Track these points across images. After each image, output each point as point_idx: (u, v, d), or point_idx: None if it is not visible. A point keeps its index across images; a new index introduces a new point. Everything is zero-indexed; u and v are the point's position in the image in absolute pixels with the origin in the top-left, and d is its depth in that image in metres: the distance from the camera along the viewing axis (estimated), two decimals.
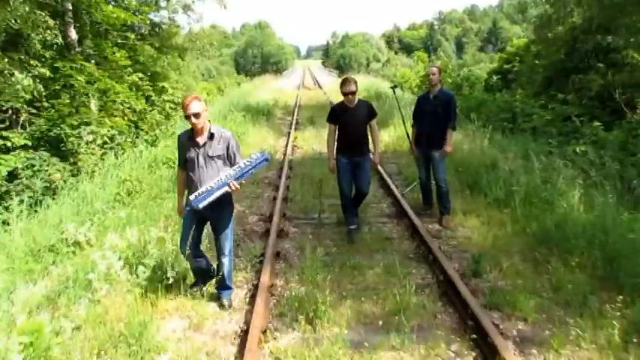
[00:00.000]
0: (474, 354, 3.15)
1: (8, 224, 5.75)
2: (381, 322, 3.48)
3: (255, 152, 3.56)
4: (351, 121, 4.97)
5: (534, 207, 5.31)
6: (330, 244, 4.88)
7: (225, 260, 3.69)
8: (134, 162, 8.20)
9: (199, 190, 3.42)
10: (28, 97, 8.58)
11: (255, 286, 3.96)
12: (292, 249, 4.92)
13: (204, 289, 3.86)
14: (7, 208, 6.55)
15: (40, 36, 9.70)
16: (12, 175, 9.10)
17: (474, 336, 3.26)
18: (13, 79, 7.82)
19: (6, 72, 7.77)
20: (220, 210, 3.57)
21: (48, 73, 9.15)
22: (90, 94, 11.58)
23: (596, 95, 14.21)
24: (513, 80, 22.59)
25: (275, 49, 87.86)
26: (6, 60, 7.99)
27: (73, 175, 8.45)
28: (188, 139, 3.57)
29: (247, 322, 3.44)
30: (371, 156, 5.23)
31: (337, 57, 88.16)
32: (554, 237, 4.59)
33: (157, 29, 17.79)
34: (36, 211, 6.13)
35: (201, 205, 3.33)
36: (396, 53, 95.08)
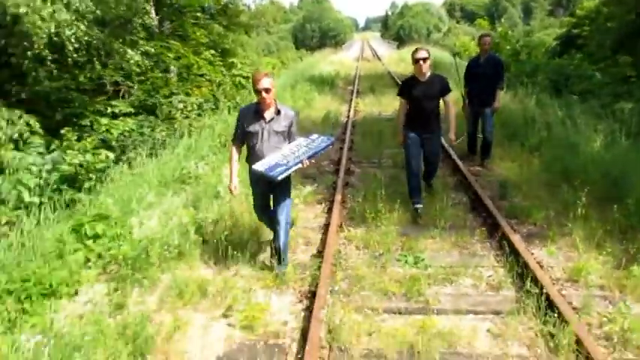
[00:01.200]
0: (491, 240, 4.37)
1: (131, 167, 7.50)
2: (423, 223, 4.78)
3: (321, 136, 3.89)
4: (422, 96, 4.76)
5: (564, 151, 6.28)
6: (387, 178, 6.14)
7: (282, 231, 3.79)
8: (223, 122, 9.85)
9: (267, 162, 3.59)
10: (137, 70, 10.41)
11: (331, 202, 5.38)
12: (357, 181, 6.29)
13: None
14: (129, 159, 8.33)
15: (141, 20, 11.57)
16: (120, 136, 11.06)
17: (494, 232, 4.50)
18: (128, 55, 9.64)
19: (121, 50, 9.59)
20: (284, 183, 3.71)
21: (152, 50, 10.95)
22: (172, 68, 13.43)
23: None
24: (583, 45, 22.18)
25: (333, 23, 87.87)
26: (120, 41, 9.81)
27: (173, 134, 10.27)
28: (254, 113, 3.68)
29: (328, 220, 4.87)
30: (444, 133, 5.18)
31: (397, 28, 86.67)
32: (573, 171, 5.60)
33: (224, 9, 19.40)
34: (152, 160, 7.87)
35: (280, 177, 3.48)
36: (457, 22, 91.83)
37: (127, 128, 11.25)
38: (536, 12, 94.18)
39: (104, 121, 11.06)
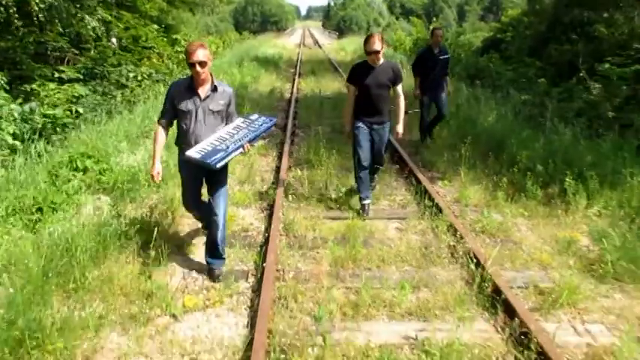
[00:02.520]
0: (407, 181, 5.77)
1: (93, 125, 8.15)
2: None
3: (258, 116, 3.59)
4: (373, 83, 4.48)
5: (466, 123, 7.89)
6: (325, 137, 7.37)
7: (220, 221, 3.43)
8: None
9: (202, 147, 3.25)
10: (94, 36, 10.86)
11: (281, 153, 6.56)
12: (301, 141, 7.51)
13: None
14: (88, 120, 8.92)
15: None
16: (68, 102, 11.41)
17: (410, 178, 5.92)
18: (85, 21, 10.12)
19: (79, 15, 10.05)
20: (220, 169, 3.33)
21: (109, 18, 11.39)
22: (112, 40, 13.75)
23: (567, 62, 16.59)
24: (506, 49, 24.91)
25: (275, 8, 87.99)
26: (78, 6, 10.24)
27: (129, 100, 10.86)
28: (188, 89, 3.30)
29: (279, 164, 6.05)
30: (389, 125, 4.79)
31: (338, 19, 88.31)
32: (470, 136, 7.15)
33: None
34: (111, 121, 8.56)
35: (219, 165, 3.15)
36: (397, 18, 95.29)
37: (75, 94, 11.62)
38: (469, 15, 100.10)
39: (52, 85, 11.36)
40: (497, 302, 3.20)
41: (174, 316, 3.06)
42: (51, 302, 2.85)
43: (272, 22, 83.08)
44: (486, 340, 2.92)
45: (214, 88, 3.33)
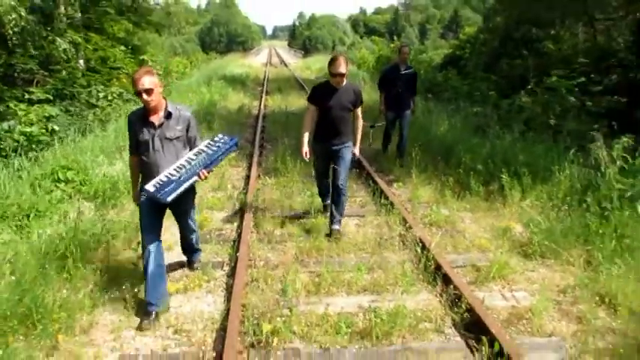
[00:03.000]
0: (366, 184, 6.35)
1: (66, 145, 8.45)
2: None
3: (222, 136, 3.44)
4: (335, 105, 4.40)
5: (420, 132, 8.60)
6: (290, 150, 7.91)
7: (193, 235, 3.82)
8: None
9: (159, 178, 3.12)
10: (65, 57, 11.14)
11: (250, 163, 7.06)
12: (269, 152, 8.04)
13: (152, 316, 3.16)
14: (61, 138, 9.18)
15: (64, 10, 12.23)
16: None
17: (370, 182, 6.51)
18: (57, 43, 10.42)
19: (50, 38, 10.35)
20: (183, 196, 3.23)
21: (79, 40, 11.70)
22: (80, 61, 14.00)
23: (518, 76, 17.79)
24: (464, 65, 26.36)
25: (241, 28, 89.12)
26: (49, 29, 10.55)
27: (100, 121, 11.12)
28: (141, 119, 3.18)
29: (249, 173, 6.54)
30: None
31: (303, 38, 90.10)
32: (423, 144, 7.86)
33: (135, 6, 19.99)
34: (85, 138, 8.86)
35: (169, 199, 3.04)
36: (361, 37, 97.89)
37: (45, 114, 11.78)
38: (430, 34, 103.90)
39: (22, 106, 11.50)
40: (438, 276, 3.76)
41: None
42: (52, 285, 3.24)
43: (238, 42, 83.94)
44: (427, 306, 3.47)
45: (168, 115, 3.21)
